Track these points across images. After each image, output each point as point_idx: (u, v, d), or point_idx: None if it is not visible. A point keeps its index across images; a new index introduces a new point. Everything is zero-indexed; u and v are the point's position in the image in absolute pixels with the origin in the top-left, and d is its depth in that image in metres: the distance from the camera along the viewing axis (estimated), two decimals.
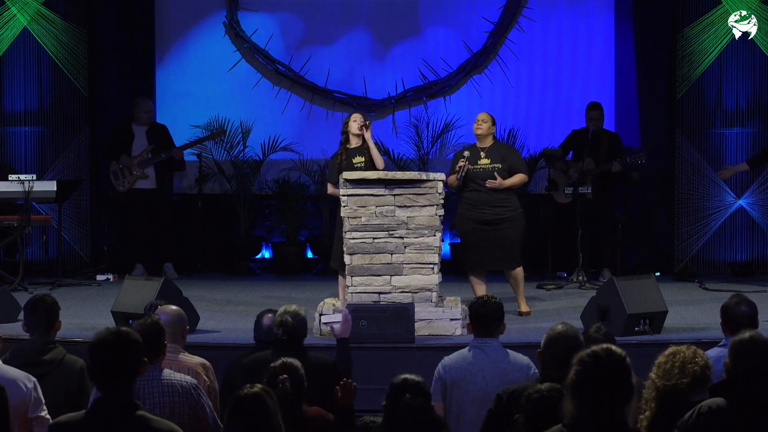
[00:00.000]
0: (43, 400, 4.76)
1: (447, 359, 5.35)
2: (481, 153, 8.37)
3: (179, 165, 11.05)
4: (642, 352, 5.66)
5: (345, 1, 11.74)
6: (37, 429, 4.70)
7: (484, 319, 5.33)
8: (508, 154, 8.44)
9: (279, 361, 4.66)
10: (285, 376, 4.56)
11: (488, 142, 8.42)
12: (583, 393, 3.37)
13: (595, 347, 3.47)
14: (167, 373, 4.76)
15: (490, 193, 8.27)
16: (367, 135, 8.41)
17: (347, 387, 4.83)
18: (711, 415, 3.90)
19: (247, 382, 4.10)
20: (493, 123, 8.45)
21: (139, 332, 4.66)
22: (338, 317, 5.89)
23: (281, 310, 5.48)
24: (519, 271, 8.39)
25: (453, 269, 10.92)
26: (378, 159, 8.37)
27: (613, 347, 3.46)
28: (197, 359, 5.45)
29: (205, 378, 5.32)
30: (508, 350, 5.35)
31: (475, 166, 8.32)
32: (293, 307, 5.48)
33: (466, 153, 8.33)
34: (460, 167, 8.26)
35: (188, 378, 4.82)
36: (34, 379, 4.78)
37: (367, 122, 8.53)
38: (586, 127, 10.52)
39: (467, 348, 5.35)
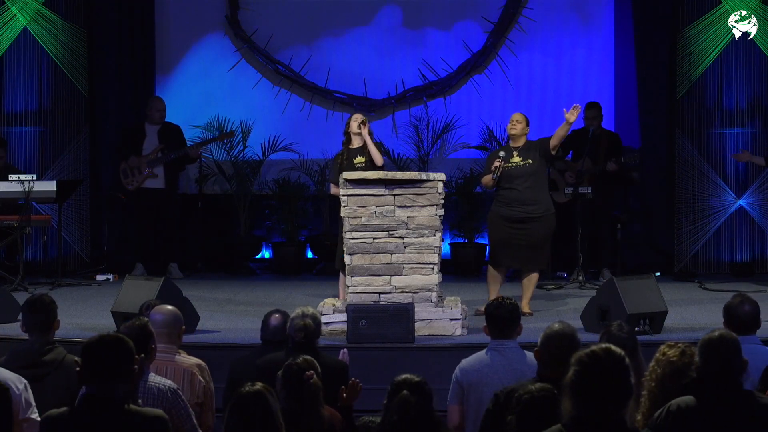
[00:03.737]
0: (33, 402, 4.74)
1: (464, 362, 5.29)
2: (514, 152, 8.41)
3: (192, 160, 11.05)
4: (642, 352, 5.65)
5: (345, 2, 11.74)
6: (28, 431, 4.69)
7: (500, 320, 5.28)
8: (534, 146, 8.44)
9: (300, 358, 4.60)
10: (312, 372, 4.51)
11: (521, 142, 8.46)
12: (582, 393, 3.37)
13: (594, 347, 3.47)
14: (151, 376, 4.74)
15: (522, 192, 8.34)
16: (364, 132, 8.40)
17: (354, 387, 4.81)
18: (680, 413, 3.90)
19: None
20: (527, 124, 8.50)
21: (126, 334, 4.66)
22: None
23: (298, 312, 5.44)
24: (536, 276, 8.45)
25: (453, 269, 10.93)
26: (376, 155, 8.33)
27: (612, 347, 3.46)
28: (193, 360, 5.43)
29: (201, 378, 5.30)
30: (526, 351, 5.28)
31: (508, 165, 8.37)
32: (310, 310, 5.46)
33: (502, 153, 8.42)
34: (495, 167, 8.33)
35: (168, 382, 4.78)
36: (25, 381, 4.76)
37: (365, 119, 8.53)
38: (585, 126, 10.53)
39: (485, 350, 5.30)
